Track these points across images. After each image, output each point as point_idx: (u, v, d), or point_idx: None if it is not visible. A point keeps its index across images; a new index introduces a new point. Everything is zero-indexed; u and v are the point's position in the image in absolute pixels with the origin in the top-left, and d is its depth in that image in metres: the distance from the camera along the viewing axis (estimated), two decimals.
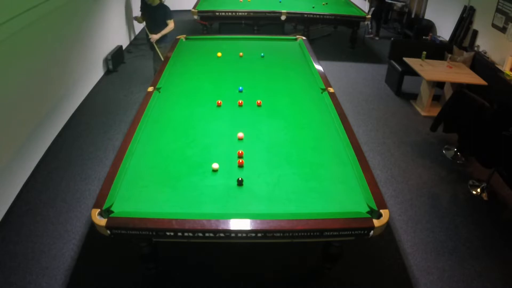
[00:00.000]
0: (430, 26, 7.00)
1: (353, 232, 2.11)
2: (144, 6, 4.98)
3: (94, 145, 4.21)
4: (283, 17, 6.37)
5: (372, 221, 2.08)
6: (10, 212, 3.30)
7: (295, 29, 7.53)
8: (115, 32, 6.37)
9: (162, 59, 4.62)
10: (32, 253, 2.93)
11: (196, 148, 2.70)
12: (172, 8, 5.03)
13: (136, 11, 7.41)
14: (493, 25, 5.25)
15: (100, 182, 3.60)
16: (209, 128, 2.95)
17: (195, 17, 6.39)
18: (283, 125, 3.02)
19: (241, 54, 4.32)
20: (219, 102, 3.29)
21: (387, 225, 2.36)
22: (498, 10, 5.14)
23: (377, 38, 8.05)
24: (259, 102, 3.30)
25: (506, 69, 4.73)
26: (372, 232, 2.08)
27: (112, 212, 2.11)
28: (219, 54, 4.29)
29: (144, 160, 2.56)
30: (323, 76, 3.79)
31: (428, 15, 7.33)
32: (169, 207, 2.16)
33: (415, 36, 6.91)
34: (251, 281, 2.77)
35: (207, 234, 2.05)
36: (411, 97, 5.50)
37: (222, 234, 2.06)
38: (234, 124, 3.00)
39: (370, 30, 8.08)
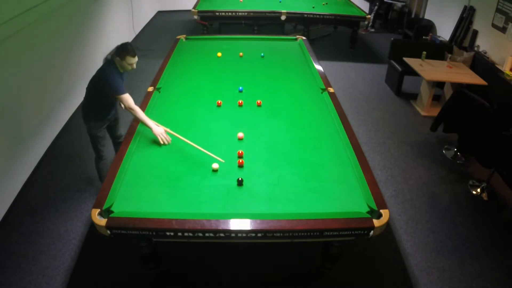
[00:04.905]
0: (430, 26, 6.99)
1: (353, 232, 2.11)
2: (122, 78, 2.99)
3: None
4: (283, 17, 6.37)
5: (372, 221, 2.08)
6: (10, 212, 3.30)
7: (295, 29, 7.53)
8: (115, 31, 6.37)
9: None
10: (32, 253, 2.93)
11: (196, 148, 2.70)
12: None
13: (137, 12, 7.43)
14: (493, 25, 5.25)
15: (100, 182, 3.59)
16: (209, 128, 2.96)
17: (195, 17, 6.39)
18: (283, 125, 3.02)
19: (241, 54, 4.32)
20: (219, 102, 3.29)
21: (387, 225, 2.36)
22: (498, 10, 5.13)
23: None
24: (259, 102, 3.30)
25: (506, 69, 4.72)
26: (372, 232, 2.08)
27: (112, 212, 2.11)
28: (219, 54, 4.29)
29: (144, 160, 2.56)
30: (323, 76, 3.79)
31: (428, 15, 7.32)
32: (169, 207, 2.17)
33: (415, 36, 6.90)
34: (251, 281, 2.77)
35: (207, 234, 2.05)
36: (411, 97, 5.49)
37: (222, 234, 2.06)
38: (234, 124, 3.00)
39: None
